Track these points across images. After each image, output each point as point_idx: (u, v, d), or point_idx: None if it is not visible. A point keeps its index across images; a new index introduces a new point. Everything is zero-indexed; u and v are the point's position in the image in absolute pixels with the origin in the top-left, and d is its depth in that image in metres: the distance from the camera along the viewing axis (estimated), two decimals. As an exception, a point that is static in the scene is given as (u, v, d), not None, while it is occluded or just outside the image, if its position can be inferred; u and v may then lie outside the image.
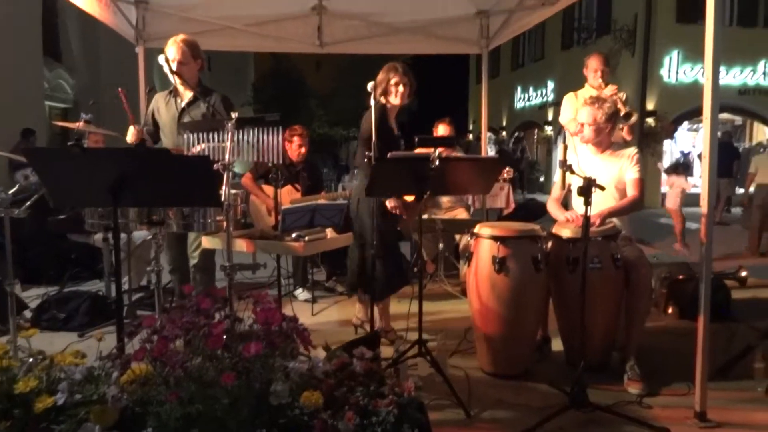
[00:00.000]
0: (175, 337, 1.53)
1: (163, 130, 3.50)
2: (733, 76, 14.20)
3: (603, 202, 3.15)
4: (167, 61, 3.14)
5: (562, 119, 4.36)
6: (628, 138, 4.24)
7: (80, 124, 3.43)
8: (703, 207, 2.50)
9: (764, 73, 14.43)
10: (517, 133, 21.52)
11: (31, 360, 1.74)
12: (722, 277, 4.65)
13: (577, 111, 4.11)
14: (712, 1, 2.38)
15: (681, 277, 4.23)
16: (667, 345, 3.52)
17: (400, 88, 3.34)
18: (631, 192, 3.18)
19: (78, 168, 2.06)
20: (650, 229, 9.39)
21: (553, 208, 3.36)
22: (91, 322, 3.75)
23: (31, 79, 9.56)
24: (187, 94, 3.42)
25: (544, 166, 19.36)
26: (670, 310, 4.14)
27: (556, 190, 3.40)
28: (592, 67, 4.24)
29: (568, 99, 4.32)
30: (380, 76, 3.37)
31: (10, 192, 2.96)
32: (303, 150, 4.80)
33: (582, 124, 3.20)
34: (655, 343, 3.52)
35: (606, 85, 4.16)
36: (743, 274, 5.03)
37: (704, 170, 2.49)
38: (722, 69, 14.00)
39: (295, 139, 4.75)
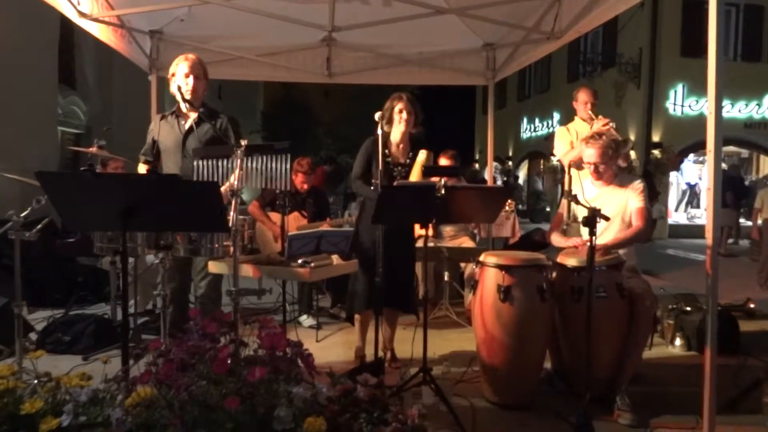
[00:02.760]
0: (180, 360, 1.54)
1: (167, 152, 3.33)
2: (739, 110, 14.29)
3: (608, 234, 3.17)
4: (179, 89, 3.15)
5: (557, 152, 4.37)
6: (623, 165, 4.25)
7: (94, 150, 3.49)
8: (708, 238, 2.51)
9: (770, 107, 14.53)
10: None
11: (36, 381, 1.75)
12: (730, 309, 4.61)
13: (571, 143, 4.18)
14: (714, 34, 2.43)
15: (688, 308, 4.21)
16: (675, 377, 3.48)
17: (404, 115, 3.41)
18: (636, 222, 3.19)
19: (90, 193, 2.10)
20: (658, 261, 9.34)
21: (555, 236, 3.38)
22: (96, 345, 3.73)
23: (46, 105, 9.75)
24: (192, 115, 3.28)
25: (550, 196, 19.38)
26: (677, 342, 4.10)
27: (557, 220, 3.42)
28: (582, 99, 4.30)
29: (561, 132, 4.35)
30: (386, 104, 3.47)
31: (22, 215, 3.01)
32: (306, 186, 4.98)
33: (592, 164, 3.21)
34: (662, 375, 3.48)
35: (595, 117, 4.20)
36: (751, 306, 5.00)
37: (708, 202, 2.50)
38: (728, 103, 14.22)
39: (299, 175, 4.89)
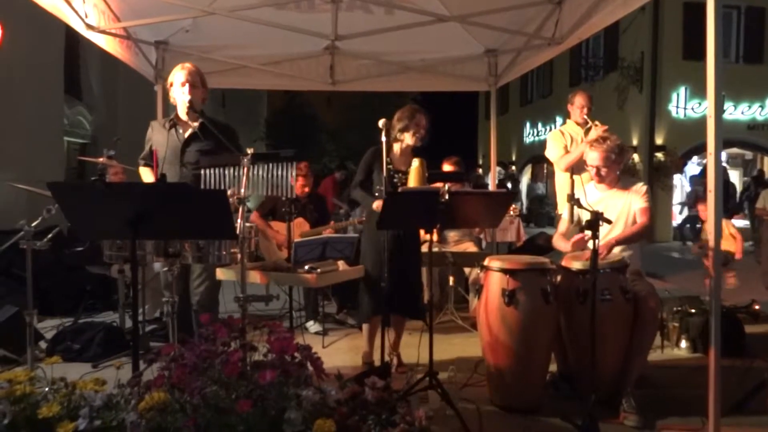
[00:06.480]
0: (193, 364, 1.57)
1: (164, 161, 3.25)
2: (742, 112, 14.29)
3: (611, 237, 3.19)
4: (190, 103, 3.13)
5: (550, 155, 4.35)
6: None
7: (103, 160, 3.53)
8: (710, 240, 2.53)
9: (772, 109, 14.53)
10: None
11: (47, 388, 1.78)
12: (735, 311, 4.62)
13: (565, 146, 4.20)
14: (712, 36, 2.46)
15: (692, 310, 4.22)
16: (680, 379, 3.49)
17: (422, 131, 3.53)
18: (641, 219, 3.21)
19: (101, 202, 2.14)
20: (663, 264, 9.33)
21: (559, 241, 3.39)
22: (105, 353, 3.77)
23: (52, 116, 9.83)
24: (192, 125, 3.24)
25: (553, 200, 19.41)
26: (682, 344, 4.12)
27: (562, 225, 3.44)
28: (579, 104, 4.32)
29: (556, 135, 4.34)
30: (405, 114, 3.53)
31: (33, 225, 3.05)
32: (306, 189, 5.01)
33: (594, 167, 3.23)
34: (667, 377, 3.50)
35: (590, 121, 4.21)
36: (756, 308, 5.00)
37: (710, 204, 2.52)
38: (730, 105, 14.18)
39: (299, 179, 4.91)
